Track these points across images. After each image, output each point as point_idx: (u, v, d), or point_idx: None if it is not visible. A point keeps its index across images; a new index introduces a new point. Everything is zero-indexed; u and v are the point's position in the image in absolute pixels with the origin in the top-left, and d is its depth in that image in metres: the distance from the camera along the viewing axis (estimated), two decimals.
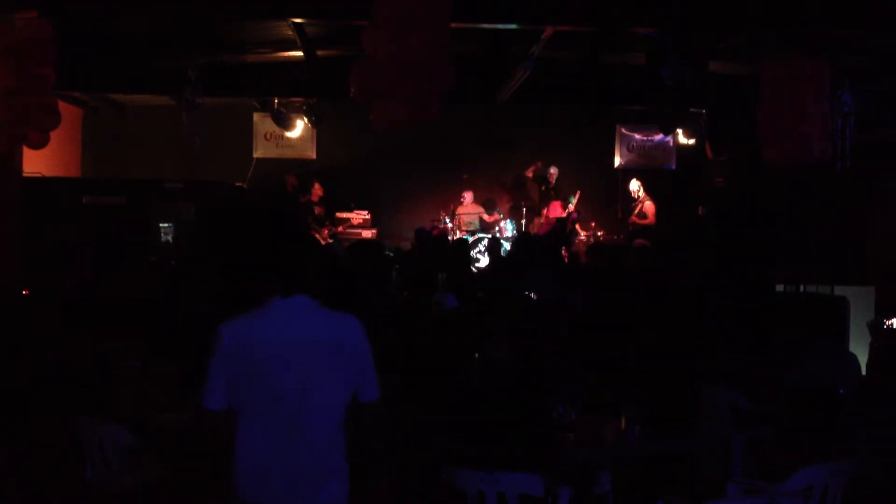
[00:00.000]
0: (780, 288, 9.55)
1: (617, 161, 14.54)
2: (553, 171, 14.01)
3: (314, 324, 3.22)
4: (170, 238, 11.57)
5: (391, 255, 12.48)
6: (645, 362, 5.47)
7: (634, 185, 13.51)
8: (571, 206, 13.55)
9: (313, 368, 3.17)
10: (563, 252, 11.51)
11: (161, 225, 11.55)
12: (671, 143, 14.38)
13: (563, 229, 12.26)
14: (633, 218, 13.39)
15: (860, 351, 6.66)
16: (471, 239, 12.97)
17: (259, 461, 3.14)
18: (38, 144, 8.88)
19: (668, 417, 4.84)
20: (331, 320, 3.27)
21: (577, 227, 13.44)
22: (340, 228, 13.62)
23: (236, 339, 3.17)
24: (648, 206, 13.29)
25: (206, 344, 3.27)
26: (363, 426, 3.34)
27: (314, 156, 14.34)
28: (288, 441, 3.14)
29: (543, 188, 14.05)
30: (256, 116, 14.19)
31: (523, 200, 14.09)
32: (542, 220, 13.86)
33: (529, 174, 14.20)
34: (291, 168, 13.87)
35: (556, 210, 13.81)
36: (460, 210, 13.98)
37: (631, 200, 13.56)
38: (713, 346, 5.81)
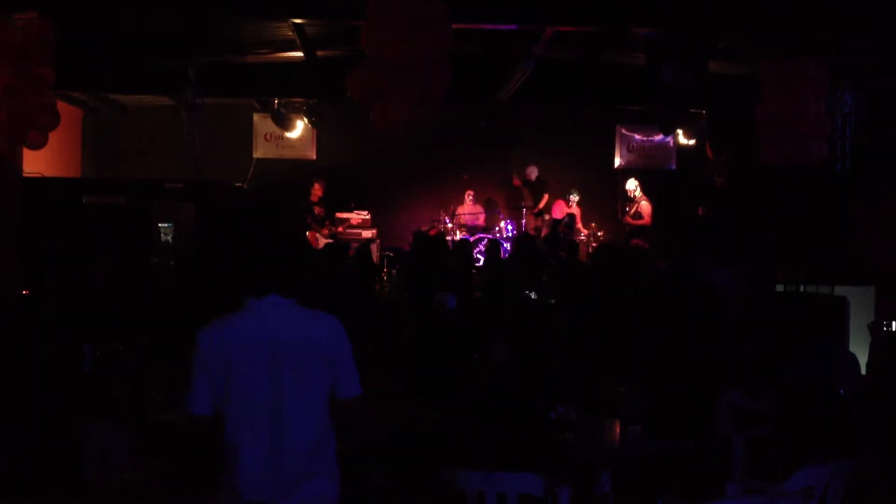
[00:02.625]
0: (780, 288, 9.55)
1: (617, 161, 14.54)
2: (530, 170, 14.03)
3: (286, 323, 3.22)
4: (170, 238, 11.55)
5: (391, 255, 12.52)
6: (660, 361, 5.45)
7: (631, 185, 13.49)
8: (574, 201, 13.60)
9: (287, 368, 3.18)
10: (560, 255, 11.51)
11: (161, 225, 11.53)
12: (671, 144, 14.38)
13: (555, 234, 12.26)
14: (628, 218, 13.39)
15: (860, 351, 6.66)
16: (471, 239, 12.99)
17: (246, 461, 3.16)
18: (38, 144, 8.88)
19: (676, 417, 4.83)
20: (304, 319, 3.27)
21: (577, 226, 13.43)
22: (340, 228, 13.62)
23: (212, 342, 3.20)
24: (645, 206, 13.27)
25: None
26: (345, 423, 3.35)
27: (314, 156, 14.34)
28: (271, 441, 3.16)
29: (527, 190, 14.06)
30: (256, 117, 14.19)
31: (522, 202, 14.11)
32: (541, 221, 13.87)
33: (517, 183, 14.24)
34: (314, 172, 13.81)
35: (559, 210, 13.84)
36: (460, 210, 13.99)
37: (628, 200, 13.56)
38: (732, 346, 5.77)
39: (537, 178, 14.13)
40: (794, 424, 4.99)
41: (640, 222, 13.23)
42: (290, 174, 13.78)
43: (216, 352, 3.18)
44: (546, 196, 14.09)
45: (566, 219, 13.16)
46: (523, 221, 13.97)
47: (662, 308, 6.28)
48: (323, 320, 3.29)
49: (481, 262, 12.53)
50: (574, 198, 13.77)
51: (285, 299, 3.25)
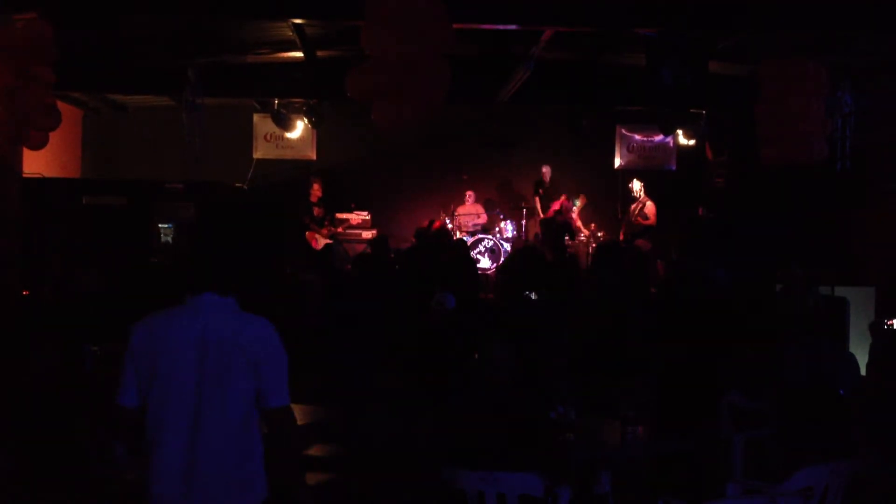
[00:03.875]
0: (780, 288, 9.53)
1: (617, 162, 14.53)
2: (545, 169, 14.04)
3: (215, 322, 3.14)
4: (170, 239, 11.57)
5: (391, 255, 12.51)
6: (661, 361, 5.45)
7: (636, 186, 13.51)
8: (578, 206, 13.60)
9: (210, 369, 3.09)
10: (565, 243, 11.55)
11: (161, 226, 11.55)
12: (671, 144, 14.37)
13: (556, 222, 12.28)
14: (637, 218, 13.38)
15: (860, 351, 6.66)
16: (470, 240, 13.00)
17: (163, 461, 3.09)
18: (38, 145, 8.86)
19: (676, 418, 4.83)
20: (234, 320, 3.17)
21: (573, 216, 13.43)
22: (340, 229, 13.62)
23: (142, 336, 3.16)
24: (650, 206, 13.28)
25: None
26: (270, 434, 3.21)
27: (314, 156, 14.34)
28: (187, 442, 3.08)
29: (542, 191, 14.07)
30: (256, 117, 14.19)
31: (522, 202, 14.11)
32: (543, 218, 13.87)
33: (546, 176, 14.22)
34: (313, 173, 13.79)
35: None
36: (460, 210, 13.99)
37: (632, 200, 13.56)
38: (732, 346, 5.76)
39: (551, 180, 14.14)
40: (794, 424, 4.99)
41: (646, 223, 13.24)
42: (289, 174, 13.78)
43: (145, 345, 3.14)
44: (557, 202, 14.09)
45: (569, 204, 13.20)
46: (523, 222, 13.97)
47: (663, 308, 6.28)
48: (253, 323, 3.19)
49: (481, 263, 12.58)
50: (577, 207, 13.71)
51: (221, 298, 3.17)
